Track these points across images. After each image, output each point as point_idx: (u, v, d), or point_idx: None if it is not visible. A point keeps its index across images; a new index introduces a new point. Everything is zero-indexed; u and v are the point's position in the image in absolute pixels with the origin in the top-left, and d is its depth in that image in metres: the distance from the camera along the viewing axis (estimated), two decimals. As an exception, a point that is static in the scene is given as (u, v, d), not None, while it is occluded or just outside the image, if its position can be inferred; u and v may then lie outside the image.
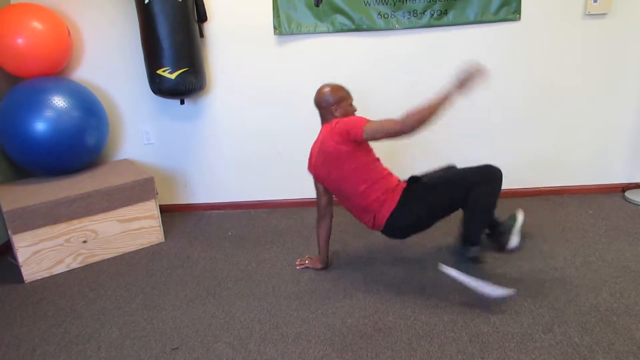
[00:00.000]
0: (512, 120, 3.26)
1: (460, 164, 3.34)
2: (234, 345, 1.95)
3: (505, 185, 3.36)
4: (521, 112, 3.24)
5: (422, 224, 2.29)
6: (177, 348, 1.95)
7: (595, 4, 2.97)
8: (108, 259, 2.82)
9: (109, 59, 3.28)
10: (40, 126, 2.78)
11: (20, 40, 2.81)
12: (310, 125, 3.33)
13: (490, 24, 3.08)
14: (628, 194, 3.23)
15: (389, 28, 3.10)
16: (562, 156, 3.32)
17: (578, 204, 3.19)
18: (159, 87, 2.95)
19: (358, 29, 3.11)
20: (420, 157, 3.36)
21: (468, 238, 2.20)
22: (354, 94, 3.24)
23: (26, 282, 2.61)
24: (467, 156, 3.34)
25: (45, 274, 2.66)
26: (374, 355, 1.84)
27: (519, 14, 3.03)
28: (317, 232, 2.46)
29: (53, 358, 1.94)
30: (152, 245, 2.97)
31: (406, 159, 3.37)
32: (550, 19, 3.05)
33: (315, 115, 3.31)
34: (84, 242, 2.75)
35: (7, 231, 2.53)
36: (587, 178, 3.36)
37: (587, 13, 3.01)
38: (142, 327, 2.12)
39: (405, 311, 2.11)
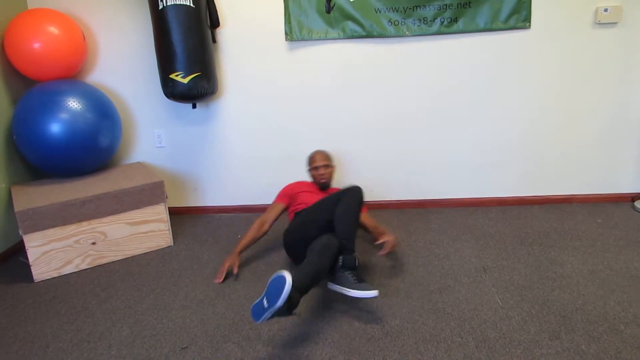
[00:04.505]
0: (521, 128, 3.27)
1: (470, 171, 3.37)
2: (243, 345, 1.97)
3: (514, 192, 3.40)
4: (531, 120, 3.25)
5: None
6: (186, 347, 1.98)
7: (605, 13, 2.98)
8: (116, 261, 2.86)
9: (123, 62, 3.34)
10: (54, 128, 2.84)
11: (36, 45, 2.87)
12: (320, 130, 3.36)
13: (500, 32, 3.09)
14: (637, 203, 3.22)
15: (399, 35, 3.13)
16: (571, 164, 3.32)
17: (587, 212, 3.19)
18: (172, 91, 2.99)
19: (369, 35, 3.14)
20: (431, 168, 3.38)
21: (342, 246, 2.27)
22: (364, 100, 3.29)
23: (35, 281, 2.65)
24: (476, 162, 3.36)
25: (55, 274, 2.70)
26: (380, 358, 1.85)
27: (529, 22, 3.05)
28: (254, 231, 2.69)
29: (65, 355, 1.98)
30: (160, 249, 3.00)
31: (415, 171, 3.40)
32: (560, 28, 3.06)
33: (324, 118, 3.35)
34: (93, 243, 2.78)
35: (19, 231, 2.57)
36: (596, 187, 3.36)
37: (597, 22, 3.02)
38: (153, 326, 2.15)
39: (412, 315, 2.12)
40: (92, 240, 2.78)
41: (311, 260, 2.13)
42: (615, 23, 3.03)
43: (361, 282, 2.15)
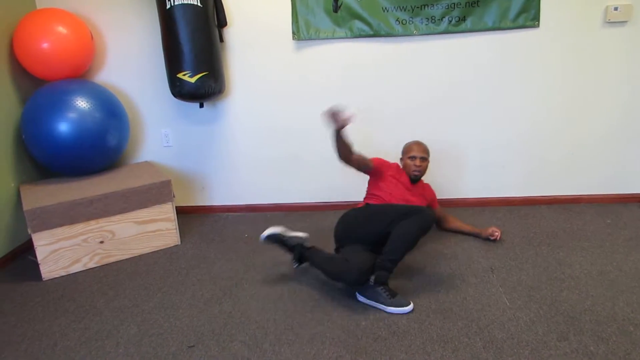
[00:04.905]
0: (529, 127, 3.25)
1: (477, 171, 3.35)
2: (249, 344, 1.98)
3: (522, 192, 3.37)
4: (539, 119, 3.23)
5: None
6: (193, 346, 1.98)
7: (615, 11, 2.96)
8: (124, 260, 2.87)
9: (130, 62, 3.35)
10: (63, 127, 2.85)
11: (45, 45, 2.89)
12: (327, 129, 3.36)
13: (508, 30, 3.08)
14: (647, 203, 3.20)
15: (406, 34, 3.12)
16: (579, 164, 3.29)
17: (595, 212, 3.17)
18: (179, 90, 3.00)
19: (376, 34, 3.13)
20: (437, 168, 3.37)
21: (381, 262, 2.22)
22: (371, 100, 3.28)
23: (44, 279, 2.67)
24: (483, 161, 3.34)
25: (63, 273, 2.71)
26: (387, 358, 1.85)
27: (538, 20, 3.03)
28: (350, 148, 2.45)
29: (73, 353, 1.99)
30: (168, 247, 3.01)
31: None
32: (569, 26, 3.04)
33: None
34: (101, 242, 2.80)
35: (28, 230, 2.59)
36: (605, 187, 3.33)
37: (607, 20, 2.99)
38: (160, 324, 2.16)
39: (419, 315, 2.11)
40: (100, 239, 2.79)
41: (338, 261, 2.31)
42: (626, 22, 3.00)
43: (394, 296, 2.17)
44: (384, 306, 2.16)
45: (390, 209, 2.38)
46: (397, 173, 2.72)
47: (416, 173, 2.72)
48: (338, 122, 2.25)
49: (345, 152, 2.42)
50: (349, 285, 2.33)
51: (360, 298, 2.25)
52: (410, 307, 2.15)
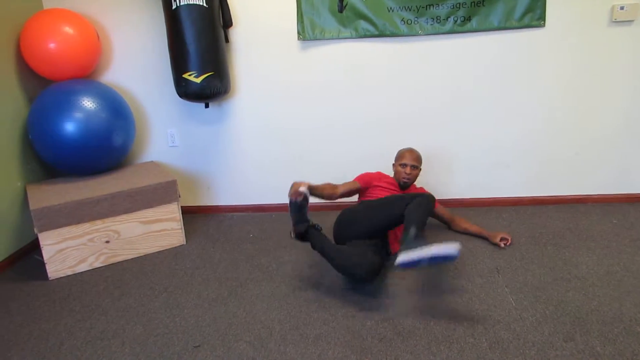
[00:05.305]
0: (535, 127, 3.24)
1: (483, 171, 3.34)
2: (255, 344, 1.98)
3: (529, 193, 3.36)
4: (545, 119, 3.22)
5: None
6: (198, 346, 1.99)
7: (622, 10, 2.94)
8: (130, 260, 2.88)
9: (136, 62, 3.36)
10: (69, 127, 2.86)
11: (52, 45, 2.90)
12: (332, 130, 3.36)
13: (514, 30, 3.07)
14: (654, 203, 3.18)
15: (412, 34, 3.11)
16: (586, 164, 3.28)
17: (602, 212, 3.15)
18: (185, 90, 3.01)
19: (381, 34, 3.13)
20: (443, 168, 3.36)
21: (409, 223, 2.21)
22: (377, 99, 3.28)
23: (50, 279, 2.68)
24: (489, 161, 3.33)
25: (69, 272, 2.73)
26: (392, 358, 1.84)
27: (544, 20, 3.02)
28: (329, 187, 2.69)
29: (79, 352, 2.00)
30: (173, 247, 3.01)
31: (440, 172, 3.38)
32: (575, 26, 3.03)
33: (336, 117, 3.35)
34: (107, 242, 2.81)
35: (34, 229, 2.60)
36: (612, 187, 3.31)
37: (613, 20, 2.98)
38: (165, 324, 2.16)
39: (424, 316, 2.11)
40: (106, 239, 2.80)
41: (348, 254, 2.27)
42: (632, 21, 2.98)
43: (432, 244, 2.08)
44: (434, 246, 2.02)
45: (389, 198, 2.46)
46: (385, 182, 2.82)
47: (405, 180, 2.79)
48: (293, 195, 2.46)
49: (328, 197, 2.65)
50: (354, 281, 2.34)
51: (403, 257, 2.07)
52: (456, 245, 2.01)
